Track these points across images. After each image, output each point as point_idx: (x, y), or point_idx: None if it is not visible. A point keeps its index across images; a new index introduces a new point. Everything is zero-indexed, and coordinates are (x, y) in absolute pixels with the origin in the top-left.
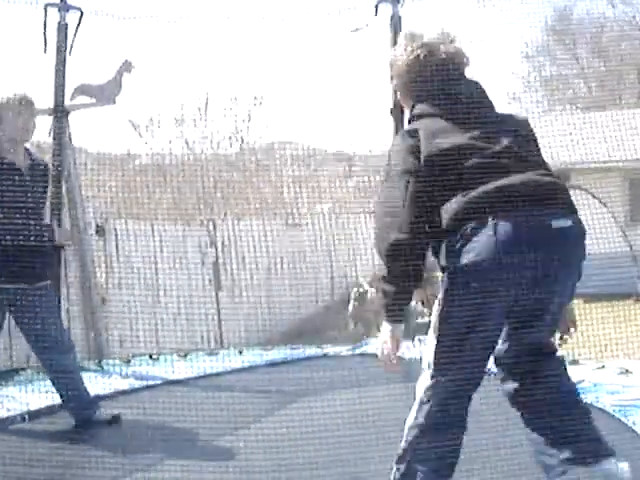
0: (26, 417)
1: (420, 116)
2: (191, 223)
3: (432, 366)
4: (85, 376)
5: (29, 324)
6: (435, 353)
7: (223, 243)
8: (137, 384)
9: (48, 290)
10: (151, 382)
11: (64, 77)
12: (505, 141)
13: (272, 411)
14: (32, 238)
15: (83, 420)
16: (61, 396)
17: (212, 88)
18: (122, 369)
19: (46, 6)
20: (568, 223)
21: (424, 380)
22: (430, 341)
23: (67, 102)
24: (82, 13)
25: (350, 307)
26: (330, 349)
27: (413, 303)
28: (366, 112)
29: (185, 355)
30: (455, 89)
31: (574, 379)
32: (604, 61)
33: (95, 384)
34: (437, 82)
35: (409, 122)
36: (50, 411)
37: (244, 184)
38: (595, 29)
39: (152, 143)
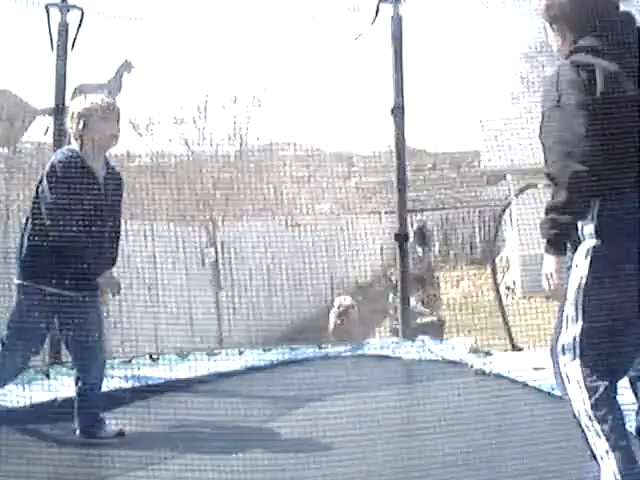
0: (27, 410)
1: (583, 50)
2: (191, 223)
3: (575, 350)
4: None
5: (74, 332)
6: (581, 337)
7: (223, 243)
8: (138, 385)
9: (97, 300)
10: (152, 382)
11: (64, 77)
12: None
13: (274, 413)
14: (93, 248)
15: (87, 434)
16: (78, 402)
17: (212, 88)
18: (122, 369)
19: (47, 6)
20: None
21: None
22: (569, 321)
23: (67, 102)
24: (83, 13)
25: (331, 323)
26: (330, 349)
27: (413, 303)
28: (366, 112)
29: (185, 355)
30: (620, 29)
31: None
32: None
33: None
34: (600, 19)
35: (569, 54)
36: (51, 406)
37: (244, 184)
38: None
39: (152, 143)
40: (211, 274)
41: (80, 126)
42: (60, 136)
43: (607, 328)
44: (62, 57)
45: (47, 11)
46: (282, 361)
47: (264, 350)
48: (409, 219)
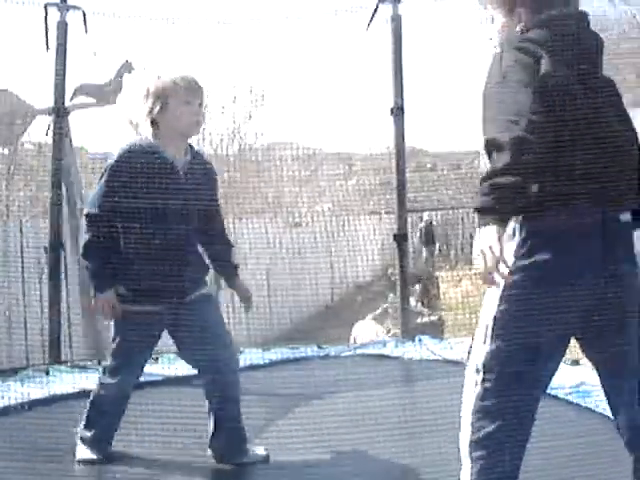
0: (26, 406)
1: (530, 41)
2: None
3: (482, 370)
4: (85, 376)
5: (188, 342)
6: (490, 356)
7: None
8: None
9: (205, 299)
10: (151, 379)
11: (64, 77)
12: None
13: (273, 412)
14: (178, 247)
15: (232, 460)
16: (215, 425)
17: (211, 88)
18: None
19: (46, 5)
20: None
21: (471, 386)
22: (479, 340)
23: (67, 102)
24: (85, 14)
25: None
26: (330, 349)
27: (413, 303)
28: (366, 112)
29: None
30: (573, 28)
31: (574, 380)
32: (604, 61)
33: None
34: (554, 15)
35: (518, 40)
36: (50, 402)
37: (244, 184)
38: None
39: None
40: (211, 274)
41: (155, 109)
42: (60, 136)
43: (516, 361)
44: (62, 57)
45: (45, 11)
46: (281, 360)
47: (263, 350)
48: (411, 219)
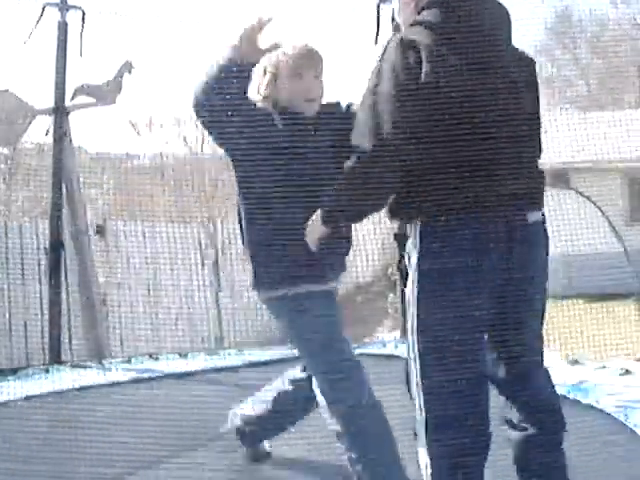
0: (25, 406)
1: (422, 24)
2: (191, 223)
3: (423, 405)
4: (86, 375)
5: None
6: (422, 381)
7: (223, 243)
8: (137, 376)
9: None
10: (152, 375)
11: (64, 77)
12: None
13: None
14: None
15: (243, 443)
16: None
17: None
18: (123, 369)
19: (45, 5)
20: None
21: (419, 417)
22: (411, 359)
23: (67, 102)
24: (84, 13)
25: None
26: None
27: None
28: None
29: (185, 355)
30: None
31: (575, 379)
32: (604, 61)
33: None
34: None
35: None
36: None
37: None
38: (595, 29)
39: (152, 143)
40: (211, 274)
41: (263, 85)
42: (60, 136)
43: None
44: (62, 57)
45: (43, 10)
46: (281, 359)
47: (264, 349)
48: None
